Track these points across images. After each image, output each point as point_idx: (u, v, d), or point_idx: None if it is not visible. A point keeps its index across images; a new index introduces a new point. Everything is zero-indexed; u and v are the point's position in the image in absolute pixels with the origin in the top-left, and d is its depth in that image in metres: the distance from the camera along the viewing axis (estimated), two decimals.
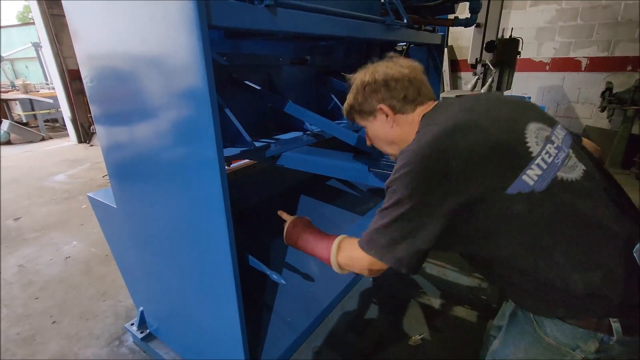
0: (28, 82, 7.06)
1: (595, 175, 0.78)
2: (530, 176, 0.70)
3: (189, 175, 0.97)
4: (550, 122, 0.84)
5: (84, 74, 1.16)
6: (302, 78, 1.99)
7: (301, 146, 1.51)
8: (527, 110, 0.84)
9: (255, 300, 1.55)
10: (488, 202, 0.70)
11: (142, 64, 0.95)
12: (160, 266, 1.33)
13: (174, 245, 1.19)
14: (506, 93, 3.12)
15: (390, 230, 0.75)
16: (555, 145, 0.77)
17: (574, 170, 0.75)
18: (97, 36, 1.05)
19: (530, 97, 2.27)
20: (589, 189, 0.74)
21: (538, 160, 0.72)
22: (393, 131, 0.95)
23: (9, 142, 6.17)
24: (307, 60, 1.93)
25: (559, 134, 0.82)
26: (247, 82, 1.52)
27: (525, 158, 0.72)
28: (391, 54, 1.02)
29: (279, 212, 1.22)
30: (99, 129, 1.24)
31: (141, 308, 1.64)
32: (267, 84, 1.73)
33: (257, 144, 1.43)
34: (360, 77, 0.98)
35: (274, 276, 1.17)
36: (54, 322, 1.85)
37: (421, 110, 0.91)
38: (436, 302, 1.94)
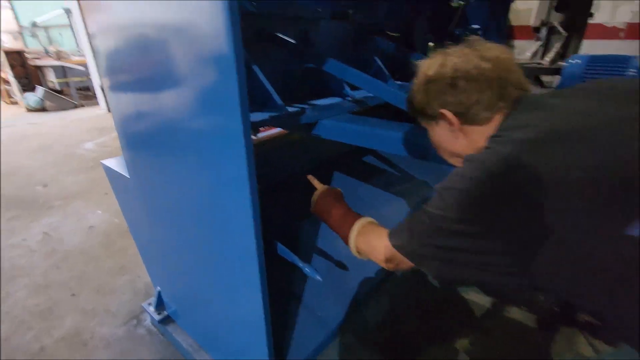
0: (61, 49, 7.08)
1: None
2: None
3: (208, 147, 0.76)
4: None
5: (94, 39, 0.97)
6: (342, 35, 1.71)
7: (341, 114, 1.27)
8: None
9: (282, 289, 1.37)
10: (588, 243, 0.51)
11: (152, 14, 0.72)
12: (176, 246, 1.16)
13: (191, 224, 1.01)
14: None
15: (424, 238, 0.63)
16: None
17: None
18: None
19: None
20: None
21: None
22: (458, 143, 0.73)
23: (43, 109, 6.28)
24: (349, 14, 1.65)
25: None
26: (279, 35, 1.27)
27: None
28: (473, 37, 0.75)
29: (309, 177, 1.05)
30: (109, 95, 1.05)
31: (158, 288, 1.51)
32: (302, 40, 1.48)
33: (290, 110, 1.20)
34: (424, 69, 0.74)
35: (307, 269, 0.97)
36: (73, 294, 1.77)
37: (500, 117, 0.67)
38: (486, 301, 1.69)
